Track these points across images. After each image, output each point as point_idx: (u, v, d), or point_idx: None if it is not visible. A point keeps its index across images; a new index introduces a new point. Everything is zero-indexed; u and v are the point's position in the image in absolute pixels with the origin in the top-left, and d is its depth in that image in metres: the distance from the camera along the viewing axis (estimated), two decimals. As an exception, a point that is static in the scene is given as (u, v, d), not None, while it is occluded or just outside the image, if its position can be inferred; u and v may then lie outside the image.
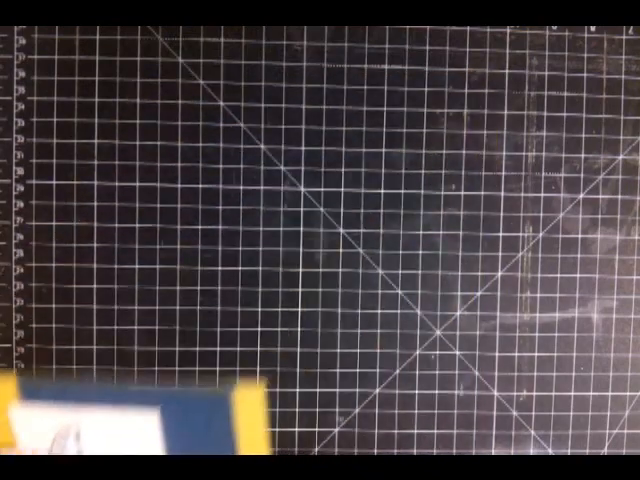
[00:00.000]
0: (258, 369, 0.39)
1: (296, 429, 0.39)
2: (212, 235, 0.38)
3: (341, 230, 0.38)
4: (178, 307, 0.38)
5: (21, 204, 0.38)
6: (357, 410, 0.39)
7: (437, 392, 0.39)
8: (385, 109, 0.38)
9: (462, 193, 0.39)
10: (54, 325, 0.38)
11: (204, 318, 0.38)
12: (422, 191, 0.38)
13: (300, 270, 0.38)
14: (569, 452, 0.39)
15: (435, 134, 0.38)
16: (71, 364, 0.38)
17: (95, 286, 0.38)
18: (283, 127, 0.38)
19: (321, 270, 0.38)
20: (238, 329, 0.38)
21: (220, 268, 0.38)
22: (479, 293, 0.39)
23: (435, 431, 0.39)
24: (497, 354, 0.39)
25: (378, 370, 0.39)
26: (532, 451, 0.40)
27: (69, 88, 0.37)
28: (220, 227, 0.38)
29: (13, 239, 0.38)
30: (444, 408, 0.39)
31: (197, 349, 0.38)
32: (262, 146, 0.38)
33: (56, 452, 0.30)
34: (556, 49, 0.38)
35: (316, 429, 0.39)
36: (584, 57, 0.39)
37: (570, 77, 0.39)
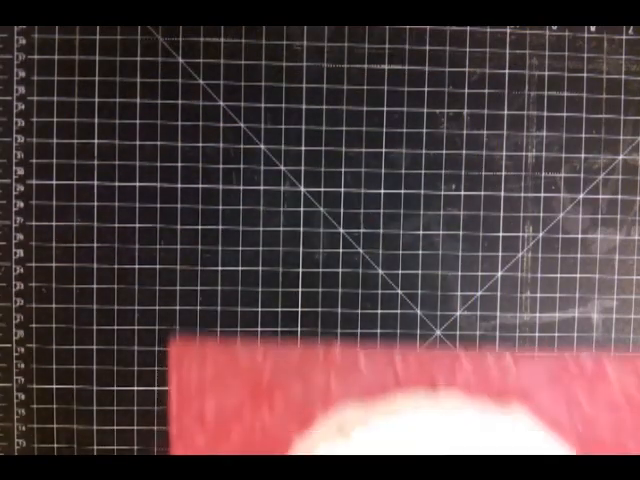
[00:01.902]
0: (258, 369, 0.39)
1: (296, 429, 0.39)
2: (212, 235, 0.38)
3: (341, 230, 0.38)
4: (178, 307, 0.38)
5: (21, 204, 0.38)
6: (357, 410, 0.39)
7: (437, 392, 0.39)
8: (385, 109, 0.38)
9: (462, 193, 0.39)
10: (54, 325, 0.38)
11: (204, 318, 0.38)
12: (422, 191, 0.38)
13: (300, 270, 0.38)
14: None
15: (435, 134, 0.38)
16: (71, 364, 0.38)
17: (95, 286, 0.38)
18: (283, 127, 0.38)
19: (321, 270, 0.38)
20: (238, 329, 0.38)
21: (220, 268, 0.38)
22: (479, 293, 0.39)
23: (435, 431, 0.39)
24: (497, 354, 0.39)
25: (378, 370, 0.39)
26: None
27: (69, 88, 0.37)
28: (220, 227, 0.38)
29: (13, 239, 0.38)
30: (444, 408, 0.39)
31: (197, 349, 0.38)
32: (262, 146, 0.38)
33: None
34: (556, 49, 0.38)
35: (316, 429, 0.39)
36: (584, 57, 0.38)
37: (570, 77, 0.39)
